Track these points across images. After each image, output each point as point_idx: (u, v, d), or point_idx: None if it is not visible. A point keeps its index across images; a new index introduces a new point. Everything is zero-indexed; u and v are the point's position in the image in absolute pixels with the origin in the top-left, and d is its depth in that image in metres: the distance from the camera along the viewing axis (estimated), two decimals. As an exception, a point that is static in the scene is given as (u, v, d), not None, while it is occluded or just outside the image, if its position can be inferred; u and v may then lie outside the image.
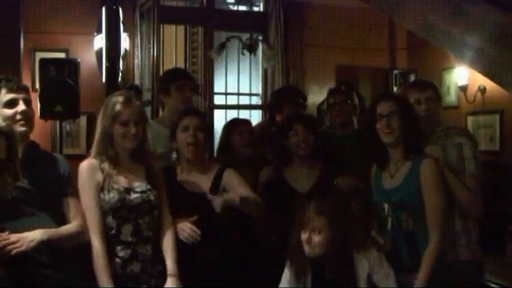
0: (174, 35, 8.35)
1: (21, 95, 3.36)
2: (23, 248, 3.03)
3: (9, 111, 3.31)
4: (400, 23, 6.93)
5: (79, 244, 3.33)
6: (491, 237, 5.36)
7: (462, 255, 3.65)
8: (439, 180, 3.46)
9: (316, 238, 3.30)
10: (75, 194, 3.40)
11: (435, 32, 5.57)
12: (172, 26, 8.27)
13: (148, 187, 3.44)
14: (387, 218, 3.52)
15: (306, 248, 3.33)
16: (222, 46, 6.81)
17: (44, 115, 5.89)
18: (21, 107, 3.32)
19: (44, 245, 3.12)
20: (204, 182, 3.76)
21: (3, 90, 3.34)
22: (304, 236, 3.32)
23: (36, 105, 5.82)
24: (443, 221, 3.44)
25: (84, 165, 3.41)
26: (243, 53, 6.72)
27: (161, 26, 7.63)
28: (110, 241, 3.35)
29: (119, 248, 3.36)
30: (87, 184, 3.37)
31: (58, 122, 6.28)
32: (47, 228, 3.18)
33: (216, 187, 3.73)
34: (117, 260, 3.35)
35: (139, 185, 3.44)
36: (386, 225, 3.52)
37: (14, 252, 2.99)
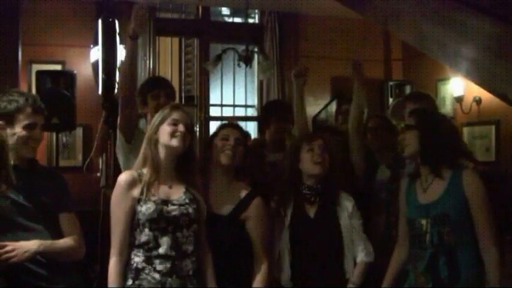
0: (169, 47, 8.36)
1: (41, 120, 3.30)
2: (17, 258, 3.02)
3: (24, 134, 3.22)
4: (395, 34, 6.94)
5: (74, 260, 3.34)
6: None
7: None
8: (486, 191, 3.35)
9: (326, 156, 3.66)
10: (72, 209, 3.38)
11: (430, 43, 5.57)
12: (168, 38, 8.29)
13: (187, 201, 3.36)
14: (425, 234, 3.39)
15: (314, 168, 3.67)
16: (218, 58, 6.81)
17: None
18: (37, 133, 3.27)
19: (40, 256, 3.12)
20: (227, 201, 3.64)
21: (28, 110, 3.23)
22: (311, 157, 3.67)
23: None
24: (498, 232, 3.33)
25: (123, 178, 3.34)
26: (239, 65, 6.70)
27: (157, 38, 7.68)
28: (148, 255, 3.26)
29: (157, 261, 3.25)
30: (123, 198, 3.29)
31: (54, 134, 6.28)
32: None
33: (238, 214, 3.60)
34: (156, 274, 3.24)
35: (179, 198, 3.36)
36: (425, 241, 3.39)
37: (6, 260, 2.98)
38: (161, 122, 3.37)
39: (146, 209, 3.26)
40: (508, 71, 4.81)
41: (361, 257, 3.66)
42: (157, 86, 4.54)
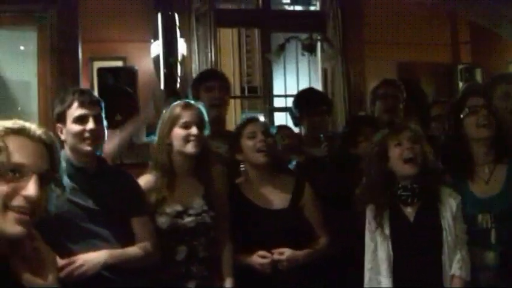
0: (230, 38, 8.24)
1: (92, 111, 3.16)
2: (89, 272, 2.91)
3: (77, 128, 3.12)
4: (464, 15, 6.74)
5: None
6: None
7: None
8: None
9: (416, 150, 3.28)
10: (144, 212, 3.26)
11: (502, 22, 5.37)
12: (228, 30, 8.16)
13: (205, 208, 3.30)
14: (490, 230, 3.19)
15: (407, 168, 3.27)
16: (282, 47, 6.70)
17: (104, 125, 5.83)
18: (90, 124, 3.13)
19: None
20: (277, 196, 3.58)
21: (75, 104, 3.13)
22: (402, 153, 3.28)
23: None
24: None
25: (141, 185, 3.30)
26: (303, 54, 6.59)
27: (217, 29, 7.58)
28: (165, 260, 3.24)
29: (172, 266, 3.26)
30: None
31: (118, 131, 6.23)
32: (112, 248, 3.05)
33: (296, 205, 3.56)
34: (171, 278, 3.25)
35: (195, 207, 3.30)
36: (490, 239, 3.20)
37: (78, 276, 2.88)
38: (172, 125, 3.29)
39: (161, 223, 3.24)
40: None
41: (454, 270, 3.23)
42: (211, 78, 4.46)
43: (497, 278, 3.17)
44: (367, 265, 3.37)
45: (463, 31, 8.46)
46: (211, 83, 4.36)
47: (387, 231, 3.34)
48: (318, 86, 8.06)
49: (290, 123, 5.19)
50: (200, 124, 3.32)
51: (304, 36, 6.84)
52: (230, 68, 7.96)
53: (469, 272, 3.23)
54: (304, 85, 8.01)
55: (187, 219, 3.26)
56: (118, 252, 3.06)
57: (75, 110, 3.13)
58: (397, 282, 3.31)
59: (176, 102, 3.50)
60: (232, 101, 7.79)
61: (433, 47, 8.27)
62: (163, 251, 3.23)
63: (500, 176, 3.22)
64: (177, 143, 3.29)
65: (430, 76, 8.25)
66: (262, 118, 4.17)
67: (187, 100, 3.54)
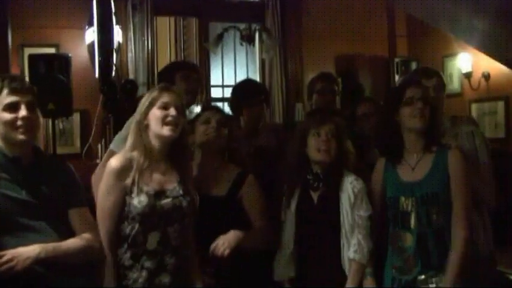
0: (167, 27, 8.16)
1: (24, 98, 2.94)
2: (18, 267, 2.72)
3: (8, 116, 2.91)
4: (402, 8, 6.80)
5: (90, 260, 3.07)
6: (502, 228, 5.24)
7: (480, 250, 3.54)
8: (468, 172, 3.28)
9: (333, 143, 3.47)
10: (83, 203, 3.12)
11: (440, 16, 5.43)
12: (165, 18, 8.08)
13: (181, 192, 3.21)
14: (410, 213, 3.29)
15: (319, 156, 3.49)
16: (220, 37, 6.64)
17: (36, 113, 5.68)
18: (22, 112, 2.91)
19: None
20: (219, 183, 3.56)
21: (5, 91, 2.92)
22: (318, 144, 3.48)
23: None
24: (470, 216, 3.27)
25: (113, 165, 3.15)
26: (241, 44, 6.55)
27: (154, 18, 7.48)
28: (135, 251, 3.12)
29: (144, 258, 3.12)
30: (113, 187, 3.13)
31: (50, 121, 6.07)
32: (50, 242, 2.88)
33: (234, 194, 3.55)
34: (144, 272, 3.11)
35: (172, 189, 3.20)
36: (409, 221, 3.30)
37: (7, 271, 2.70)
38: (150, 106, 3.20)
39: (139, 202, 3.10)
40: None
41: (350, 253, 3.39)
42: (190, 67, 4.55)
43: (414, 259, 3.26)
44: (281, 239, 3.59)
45: (400, 25, 8.56)
46: (187, 71, 4.34)
47: (293, 208, 3.56)
48: (256, 77, 8.07)
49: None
50: (179, 107, 3.23)
51: (243, 26, 6.78)
52: (167, 57, 7.87)
53: (365, 255, 3.39)
54: (242, 75, 8.01)
55: (165, 201, 3.14)
56: (52, 245, 2.88)
57: (6, 98, 2.92)
58: (300, 258, 3.54)
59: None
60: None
61: (371, 40, 8.33)
62: (134, 241, 3.11)
63: (426, 164, 3.33)
64: (154, 124, 3.17)
65: (367, 69, 8.28)
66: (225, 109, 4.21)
67: (167, 83, 3.46)
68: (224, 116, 3.70)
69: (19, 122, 2.92)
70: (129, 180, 3.11)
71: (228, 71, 8.12)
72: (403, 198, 3.33)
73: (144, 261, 3.11)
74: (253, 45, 6.80)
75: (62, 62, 5.93)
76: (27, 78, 5.82)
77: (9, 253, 2.75)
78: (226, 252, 3.26)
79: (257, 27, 6.82)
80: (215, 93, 7.98)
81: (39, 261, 2.81)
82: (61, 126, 6.75)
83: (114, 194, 3.12)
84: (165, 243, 3.14)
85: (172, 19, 8.28)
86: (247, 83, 5.17)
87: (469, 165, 3.34)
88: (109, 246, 3.09)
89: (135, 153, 3.17)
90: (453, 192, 3.24)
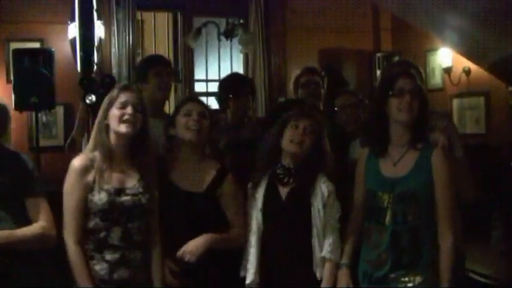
0: (152, 22, 8.21)
1: None
2: None
3: None
4: (380, 4, 6.83)
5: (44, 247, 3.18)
6: (479, 223, 5.27)
7: None
8: (452, 174, 3.25)
9: (308, 139, 3.45)
10: (38, 193, 3.22)
11: (417, 12, 5.48)
12: (150, 13, 8.13)
13: (141, 190, 3.28)
14: (386, 210, 3.27)
15: (291, 147, 3.46)
16: (198, 32, 6.69)
17: (19, 106, 5.79)
18: None
19: None
20: (198, 179, 3.57)
21: None
22: (292, 135, 3.45)
23: (11, 97, 5.75)
24: (456, 217, 3.29)
25: (76, 165, 3.23)
26: (219, 39, 6.59)
27: (140, 13, 7.54)
28: (98, 244, 3.20)
29: (106, 251, 3.20)
30: (75, 185, 3.20)
31: (34, 114, 6.15)
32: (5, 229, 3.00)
33: (212, 191, 3.56)
34: (104, 264, 3.20)
35: (132, 187, 3.28)
36: (384, 217, 3.27)
37: None
38: (110, 106, 3.28)
39: (99, 199, 3.18)
40: (496, 41, 4.73)
41: (325, 253, 3.38)
42: (161, 62, 4.62)
43: (386, 256, 3.24)
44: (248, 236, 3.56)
45: (385, 19, 8.58)
46: (160, 67, 4.44)
47: (260, 205, 3.52)
48: (240, 71, 8.12)
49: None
50: (137, 106, 3.30)
51: (223, 21, 6.84)
52: (151, 52, 7.92)
53: (339, 255, 3.40)
54: (226, 70, 8.04)
55: (124, 198, 3.23)
56: (6, 233, 3.02)
57: None
58: (267, 256, 3.48)
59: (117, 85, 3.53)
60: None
61: (355, 33, 8.38)
62: (97, 235, 3.20)
63: (409, 161, 3.29)
64: (112, 123, 3.26)
65: (351, 63, 8.34)
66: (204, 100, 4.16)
67: (126, 83, 3.53)
68: (205, 107, 3.70)
69: None
70: (90, 179, 3.20)
71: (212, 66, 8.15)
72: (380, 193, 3.30)
73: (106, 254, 3.20)
74: (231, 40, 6.83)
75: (45, 56, 6.00)
76: (11, 72, 5.94)
77: None
78: (192, 260, 3.33)
79: (236, 22, 6.86)
80: (199, 87, 8.03)
81: None
82: (44, 119, 6.83)
83: (76, 191, 3.19)
84: (127, 238, 3.22)
85: (158, 14, 8.32)
86: (234, 75, 5.37)
87: (453, 166, 3.30)
88: (74, 240, 3.17)
89: (96, 153, 3.26)
90: (438, 194, 3.21)
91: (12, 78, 6.02)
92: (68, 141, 6.45)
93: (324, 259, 3.39)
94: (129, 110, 3.24)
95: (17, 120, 6.10)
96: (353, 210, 3.50)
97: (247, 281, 3.47)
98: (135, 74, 4.36)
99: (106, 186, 3.20)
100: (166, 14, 8.03)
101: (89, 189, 3.19)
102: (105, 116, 3.28)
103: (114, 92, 3.32)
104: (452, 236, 3.20)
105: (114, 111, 3.25)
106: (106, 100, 3.32)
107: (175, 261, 3.39)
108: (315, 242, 3.40)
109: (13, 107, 5.66)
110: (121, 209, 3.20)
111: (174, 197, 3.49)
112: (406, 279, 3.23)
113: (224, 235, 3.50)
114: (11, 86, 5.94)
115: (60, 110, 6.87)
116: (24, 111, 5.96)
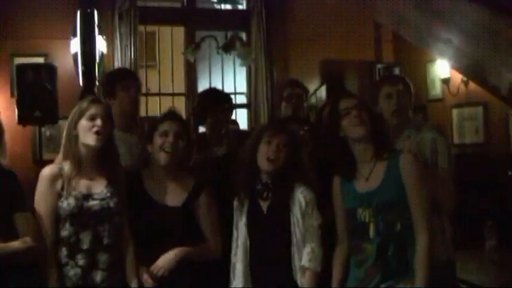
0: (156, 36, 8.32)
1: None
2: None
3: None
4: (376, 18, 6.87)
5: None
6: (474, 233, 5.29)
7: (437, 254, 3.47)
8: (422, 175, 3.28)
9: (282, 154, 3.48)
10: (26, 208, 3.31)
11: (411, 27, 5.55)
12: (154, 27, 8.24)
13: (108, 194, 3.38)
14: (368, 224, 3.30)
15: (266, 165, 3.49)
16: (197, 46, 6.76)
17: (23, 120, 5.90)
18: None
19: None
20: (174, 193, 3.65)
21: None
22: (267, 152, 3.49)
23: (15, 111, 5.88)
24: (430, 218, 3.28)
25: (45, 173, 3.35)
26: (218, 53, 6.66)
27: (144, 27, 7.66)
28: (70, 249, 3.31)
29: (79, 256, 3.31)
30: (46, 193, 3.32)
31: (37, 128, 6.28)
32: None
33: (189, 205, 3.63)
34: (78, 269, 3.30)
35: (100, 192, 3.38)
36: (368, 232, 3.30)
37: None
38: (79, 117, 3.37)
39: (67, 204, 3.30)
40: (491, 59, 4.75)
41: (304, 261, 3.42)
42: (129, 76, 4.57)
43: (374, 269, 3.28)
44: (232, 251, 3.61)
45: (387, 30, 8.53)
46: (127, 81, 4.44)
47: (244, 219, 3.57)
48: (243, 84, 8.21)
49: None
50: (105, 118, 3.40)
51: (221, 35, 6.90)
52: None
53: (318, 264, 3.42)
54: (229, 83, 8.15)
55: (92, 202, 3.33)
56: None
57: None
58: (252, 267, 3.52)
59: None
60: (157, 99, 7.93)
61: (357, 45, 8.40)
62: (69, 240, 3.30)
63: (379, 172, 3.33)
64: (81, 134, 3.35)
65: (353, 74, 8.37)
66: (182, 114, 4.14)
67: (95, 96, 3.60)
68: (182, 125, 3.72)
69: None
70: (59, 187, 3.32)
71: (216, 79, 8.21)
72: (360, 210, 3.32)
73: (78, 259, 3.30)
74: (230, 53, 6.88)
75: (48, 71, 6.13)
76: (15, 87, 6.06)
77: None
78: (165, 274, 3.43)
79: (235, 35, 6.92)
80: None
81: None
82: (48, 133, 6.91)
83: (47, 199, 3.32)
84: (97, 241, 3.33)
85: (163, 28, 8.44)
86: (211, 91, 5.26)
87: (422, 168, 3.33)
88: (49, 248, 3.29)
89: (66, 162, 3.37)
90: (409, 196, 3.23)
91: (16, 92, 6.12)
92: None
93: (303, 268, 3.44)
94: (98, 122, 3.34)
95: (21, 135, 6.26)
96: (338, 238, 3.52)
97: None
98: (102, 89, 4.34)
99: (74, 192, 3.31)
100: (171, 28, 8.15)
101: (58, 196, 3.31)
102: (75, 126, 3.37)
103: (84, 104, 3.41)
104: (427, 235, 3.21)
105: (84, 123, 3.35)
106: (76, 111, 3.41)
107: (149, 273, 3.46)
108: (294, 250, 3.45)
109: (17, 120, 5.80)
110: (90, 213, 3.31)
111: (150, 210, 3.58)
112: (401, 286, 3.25)
113: (197, 248, 3.58)
114: (14, 100, 6.05)
115: (63, 124, 6.85)
116: (27, 124, 6.07)
